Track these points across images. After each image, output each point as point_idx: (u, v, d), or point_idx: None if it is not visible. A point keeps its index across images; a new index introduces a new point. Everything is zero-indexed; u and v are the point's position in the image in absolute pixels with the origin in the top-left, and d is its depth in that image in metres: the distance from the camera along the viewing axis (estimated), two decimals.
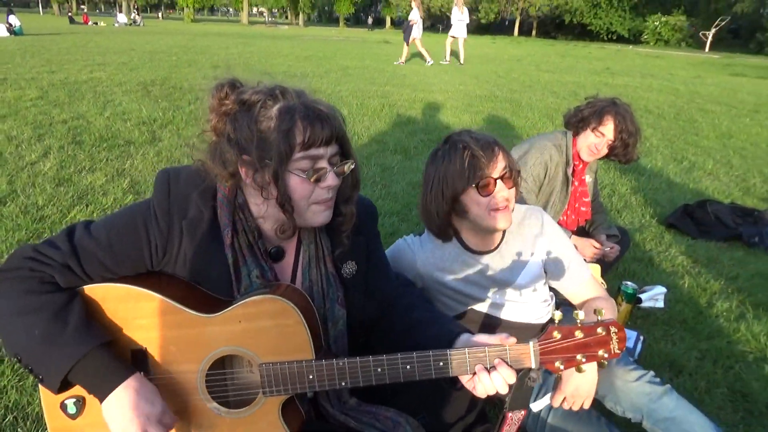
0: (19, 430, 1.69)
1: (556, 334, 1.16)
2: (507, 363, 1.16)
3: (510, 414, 1.31)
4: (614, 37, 49.38)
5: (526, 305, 1.75)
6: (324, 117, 1.15)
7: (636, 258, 3.18)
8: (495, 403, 1.85)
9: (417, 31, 14.41)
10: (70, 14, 39.40)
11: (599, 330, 1.16)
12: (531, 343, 1.17)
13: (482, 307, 1.74)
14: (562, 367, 1.17)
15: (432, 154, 1.68)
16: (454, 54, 15.76)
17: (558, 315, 1.16)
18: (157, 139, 5.33)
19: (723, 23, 40.10)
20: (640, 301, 2.59)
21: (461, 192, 1.58)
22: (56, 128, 5.41)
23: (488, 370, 1.16)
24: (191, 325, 1.13)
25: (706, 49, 37.42)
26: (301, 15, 68.51)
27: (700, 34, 40.10)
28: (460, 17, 15.23)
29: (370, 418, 1.42)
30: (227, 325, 1.14)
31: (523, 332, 1.72)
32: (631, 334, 2.33)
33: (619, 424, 1.67)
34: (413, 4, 14.78)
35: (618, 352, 1.16)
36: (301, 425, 1.28)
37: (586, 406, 1.48)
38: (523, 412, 1.32)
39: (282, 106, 1.14)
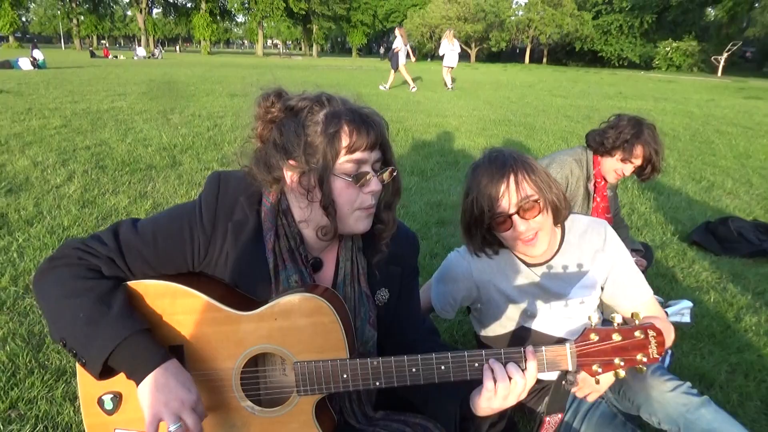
0: None
1: (593, 336, 1.14)
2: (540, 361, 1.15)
3: (547, 418, 1.29)
4: (625, 63, 49.72)
5: (571, 320, 1.68)
6: (369, 122, 1.17)
7: (659, 274, 3.15)
8: (524, 411, 1.82)
9: (402, 58, 14.89)
10: (91, 48, 40.60)
11: (637, 333, 1.13)
12: (567, 344, 1.15)
13: (529, 321, 1.70)
14: (600, 370, 1.15)
15: (465, 186, 1.61)
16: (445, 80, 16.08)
17: (595, 317, 1.14)
18: (178, 163, 5.42)
19: (735, 48, 40.19)
20: (666, 315, 2.56)
21: (485, 224, 1.54)
22: (80, 154, 5.53)
23: (523, 371, 1.15)
24: (228, 322, 1.15)
25: (719, 73, 37.43)
26: (314, 46, 69.86)
27: (712, 59, 40.17)
28: (451, 48, 16.05)
29: (399, 424, 1.41)
30: (263, 322, 1.15)
31: None
32: (687, 304, 2.43)
33: None
34: (397, 32, 15.24)
35: (657, 356, 1.13)
36: (334, 429, 1.28)
37: (590, 399, 1.46)
38: (559, 416, 1.31)
39: (328, 112, 1.16)
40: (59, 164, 5.07)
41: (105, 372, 1.10)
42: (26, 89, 11.55)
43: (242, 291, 1.23)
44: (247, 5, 65.33)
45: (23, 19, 67.85)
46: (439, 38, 55.80)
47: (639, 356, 1.13)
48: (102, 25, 66.29)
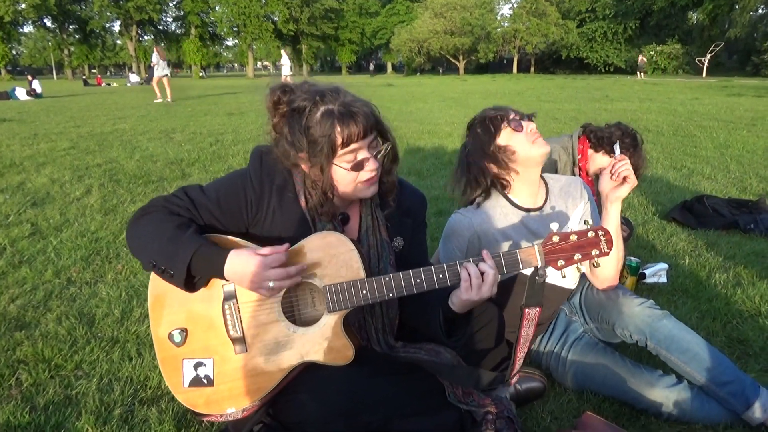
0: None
1: (555, 238, 1.46)
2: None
3: (527, 310, 1.56)
4: (611, 69, 50.41)
5: None
6: (356, 116, 1.43)
7: (640, 246, 3.45)
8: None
9: (159, 71, 16.43)
10: (84, 77, 40.97)
11: (590, 234, 1.46)
12: (535, 244, 1.47)
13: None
14: (563, 263, 1.46)
15: (464, 141, 1.98)
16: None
17: (554, 225, 1.46)
18: (187, 175, 5.72)
19: (717, 49, 40.97)
20: (644, 276, 2.85)
21: (498, 136, 1.86)
22: (93, 170, 5.83)
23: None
24: None
25: (703, 74, 38.10)
26: (304, 66, 70.57)
27: (697, 60, 40.91)
28: (287, 63, 21.54)
29: (415, 349, 1.71)
30: (296, 257, 1.46)
31: (553, 293, 2.00)
32: (663, 266, 2.88)
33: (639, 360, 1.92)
34: (155, 49, 16.79)
35: (607, 251, 1.46)
36: (357, 347, 1.56)
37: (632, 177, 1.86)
38: (537, 309, 1.56)
39: (323, 112, 1.42)
40: (75, 180, 5.36)
41: (189, 282, 1.40)
42: (28, 117, 11.88)
43: (287, 240, 1.51)
44: (236, 29, 66.17)
45: (14, 51, 68.27)
46: (428, 52, 56.70)
47: (593, 252, 1.46)
48: (93, 54, 66.90)
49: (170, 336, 1.49)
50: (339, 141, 1.41)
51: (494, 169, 1.89)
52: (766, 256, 3.25)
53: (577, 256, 1.45)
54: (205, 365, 1.48)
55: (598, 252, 1.45)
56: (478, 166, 1.90)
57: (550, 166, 2.88)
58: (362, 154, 1.46)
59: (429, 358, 1.65)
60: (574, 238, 1.45)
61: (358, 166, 1.46)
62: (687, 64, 43.79)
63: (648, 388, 1.80)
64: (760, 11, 43.12)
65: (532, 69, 57.50)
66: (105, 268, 3.12)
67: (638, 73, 37.52)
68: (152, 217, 1.45)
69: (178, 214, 1.47)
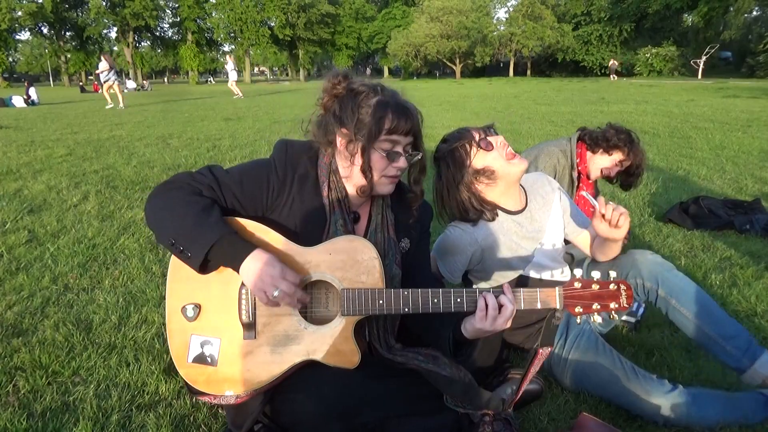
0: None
1: (577, 284, 1.46)
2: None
3: (541, 350, 1.58)
4: (607, 72, 50.58)
5: (555, 262, 2.07)
6: (409, 113, 1.53)
7: (636, 247, 3.44)
8: (518, 351, 2.13)
9: (105, 77, 17.05)
10: (81, 84, 40.97)
11: (611, 286, 1.46)
12: (557, 288, 1.47)
13: (524, 266, 2.04)
14: (581, 310, 1.46)
15: (436, 176, 2.01)
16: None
17: (578, 272, 1.47)
18: None
19: (713, 50, 41.15)
20: None
21: (472, 163, 1.89)
22: (90, 177, 5.83)
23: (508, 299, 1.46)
24: (295, 253, 1.49)
25: (699, 76, 38.27)
26: (301, 71, 70.73)
27: (692, 62, 41.10)
28: (232, 68, 23.40)
29: (414, 353, 1.71)
30: (321, 255, 1.49)
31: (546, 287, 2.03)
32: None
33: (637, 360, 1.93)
34: (102, 57, 17.50)
35: (626, 306, 1.46)
36: (363, 351, 1.57)
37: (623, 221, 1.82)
38: (549, 349, 1.59)
39: (380, 99, 1.52)
40: (72, 186, 5.36)
41: (203, 265, 1.43)
42: (24, 124, 11.87)
43: (301, 229, 1.56)
44: (233, 35, 66.30)
45: (10, 59, 68.33)
46: (424, 56, 56.85)
47: (612, 304, 1.46)
48: (90, 61, 66.84)
49: (183, 309, 1.51)
50: (387, 126, 1.49)
51: (477, 192, 1.94)
52: (761, 256, 3.26)
53: (596, 306, 1.45)
54: (211, 344, 1.50)
55: (617, 306, 1.45)
56: (460, 197, 1.93)
57: (551, 171, 2.89)
58: (398, 149, 1.53)
59: (427, 365, 1.65)
60: (595, 287, 1.45)
61: (391, 156, 1.52)
62: (683, 65, 43.98)
63: (644, 394, 1.80)
64: (754, 13, 43.36)
65: (529, 72, 57.73)
66: (102, 275, 3.12)
67: (610, 75, 39.98)
68: (177, 194, 1.46)
69: (201, 193, 1.49)
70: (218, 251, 1.41)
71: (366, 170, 1.51)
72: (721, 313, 1.90)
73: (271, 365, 1.49)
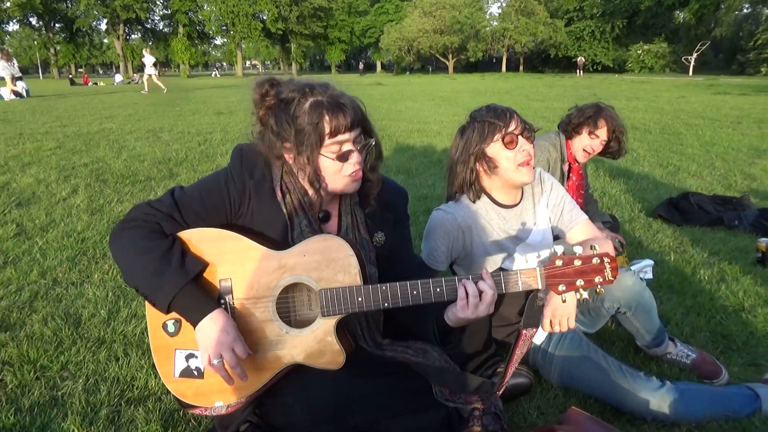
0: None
1: (559, 262, 1.39)
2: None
3: (524, 331, 1.57)
4: (599, 68, 50.79)
5: (539, 259, 2.05)
6: (345, 107, 1.46)
7: (627, 242, 3.47)
8: (506, 347, 2.13)
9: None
10: (70, 76, 40.55)
11: (595, 260, 1.37)
12: (538, 267, 1.42)
13: (507, 261, 2.02)
14: (564, 288, 1.39)
15: (459, 129, 1.99)
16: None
17: (560, 249, 1.39)
18: (175, 174, 5.69)
19: (704, 47, 41.36)
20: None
21: (487, 146, 1.88)
22: (79, 170, 5.78)
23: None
24: (267, 258, 1.46)
25: (690, 73, 38.46)
26: (293, 64, 70.41)
27: (683, 59, 41.29)
28: (151, 60, 22.07)
29: (403, 347, 1.71)
30: (295, 258, 1.45)
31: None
32: (649, 263, 2.92)
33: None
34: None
35: (611, 279, 1.38)
36: (349, 351, 1.56)
37: (571, 324, 1.70)
38: (534, 330, 1.58)
39: (312, 102, 1.45)
40: (61, 180, 5.31)
41: (170, 311, 1.43)
42: (13, 117, 11.72)
43: (268, 234, 1.53)
44: (225, 28, 65.83)
45: None
46: (417, 51, 56.77)
47: (597, 279, 1.38)
48: (80, 53, 66.23)
49: (164, 326, 1.49)
50: (327, 130, 1.43)
51: (475, 170, 1.94)
52: (749, 252, 3.29)
53: (580, 282, 1.38)
54: (196, 357, 1.48)
55: (601, 279, 1.38)
56: (462, 166, 1.93)
57: (544, 164, 2.92)
58: (347, 146, 1.48)
59: (416, 358, 1.64)
60: (578, 263, 1.38)
61: (343, 157, 1.47)
62: (674, 62, 44.19)
63: (632, 392, 1.81)
64: (745, 10, 43.59)
65: (521, 68, 57.78)
66: (91, 269, 3.10)
67: (577, 71, 42.90)
68: (135, 236, 1.44)
69: (160, 231, 1.46)
70: (179, 303, 1.41)
71: (313, 180, 1.47)
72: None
73: (257, 373, 1.48)
